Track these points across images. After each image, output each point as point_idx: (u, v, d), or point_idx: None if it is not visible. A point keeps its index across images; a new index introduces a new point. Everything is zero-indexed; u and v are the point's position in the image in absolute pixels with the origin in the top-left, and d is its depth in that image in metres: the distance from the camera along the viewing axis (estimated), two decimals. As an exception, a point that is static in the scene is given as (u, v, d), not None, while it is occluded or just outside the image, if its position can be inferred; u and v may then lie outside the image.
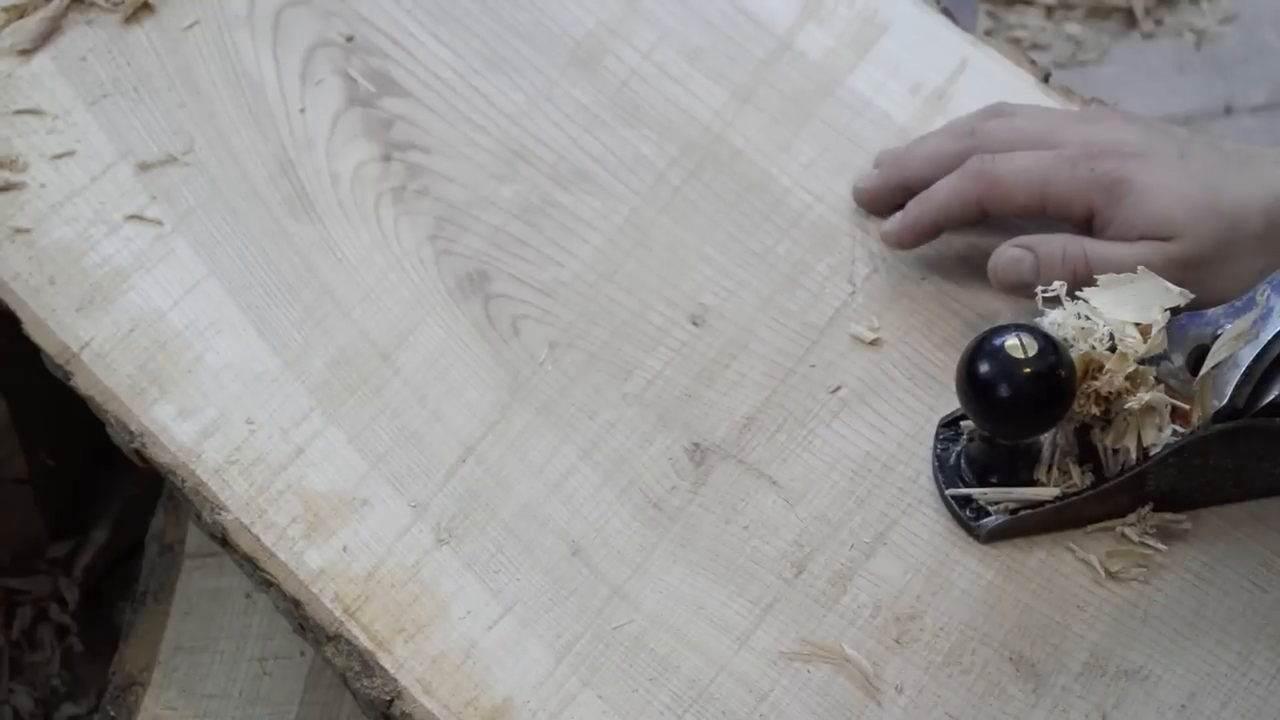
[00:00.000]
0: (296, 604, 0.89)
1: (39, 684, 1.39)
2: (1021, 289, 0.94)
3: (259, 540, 0.91)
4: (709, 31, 1.08)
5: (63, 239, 1.01)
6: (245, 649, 1.12)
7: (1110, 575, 0.89)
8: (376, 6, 1.09)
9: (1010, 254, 0.95)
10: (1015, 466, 0.90)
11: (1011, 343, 0.85)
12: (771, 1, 1.09)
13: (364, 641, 0.88)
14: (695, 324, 0.98)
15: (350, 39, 1.08)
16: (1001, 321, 0.93)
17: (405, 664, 0.87)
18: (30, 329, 0.98)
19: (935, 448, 0.92)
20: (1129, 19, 1.71)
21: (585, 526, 0.91)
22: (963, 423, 0.92)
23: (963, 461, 0.92)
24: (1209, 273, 0.91)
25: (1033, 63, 1.07)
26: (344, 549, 0.91)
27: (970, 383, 0.86)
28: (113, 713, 1.10)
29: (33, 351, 0.99)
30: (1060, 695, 0.86)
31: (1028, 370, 0.85)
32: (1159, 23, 1.73)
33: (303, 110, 1.06)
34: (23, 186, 1.03)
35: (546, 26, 1.08)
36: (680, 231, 1.01)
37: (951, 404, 0.92)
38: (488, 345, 0.97)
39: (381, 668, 0.87)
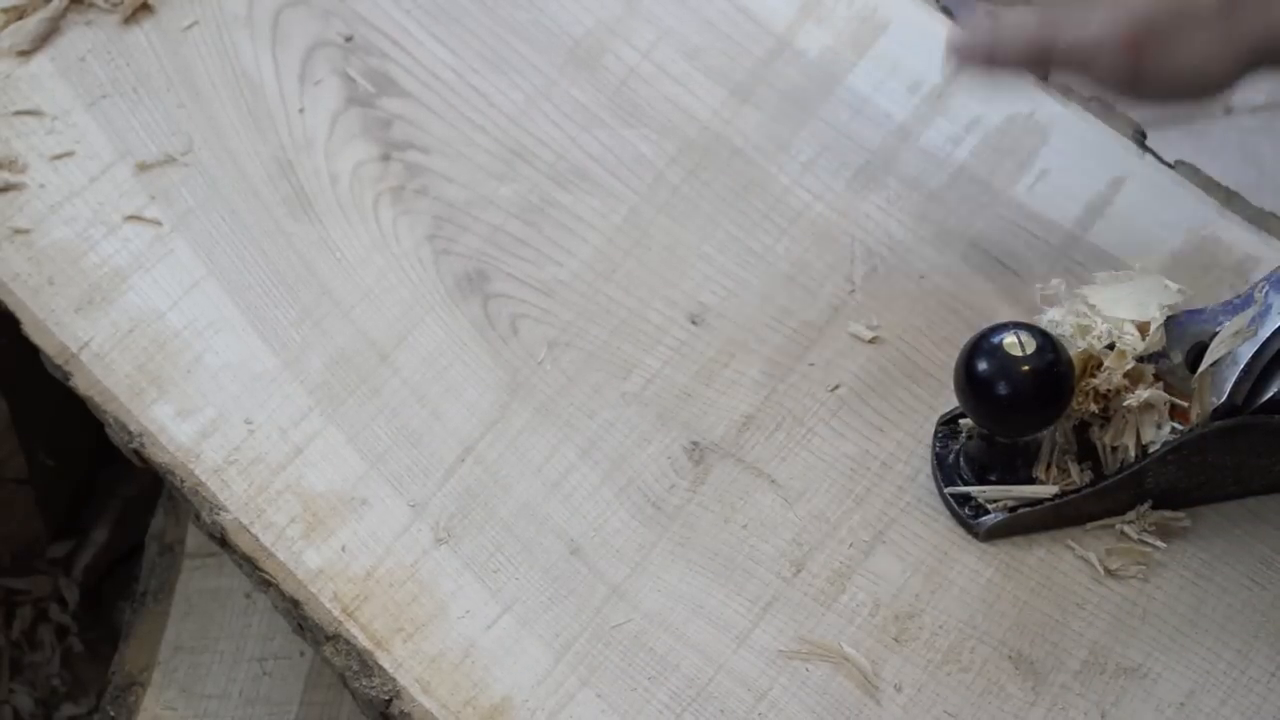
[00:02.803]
0: (295, 604, 0.89)
1: (39, 684, 1.39)
2: (978, 53, 0.92)
3: (258, 540, 0.91)
4: (708, 30, 1.08)
5: (62, 239, 1.01)
6: (245, 649, 1.12)
7: (1109, 573, 0.89)
8: (375, 6, 1.09)
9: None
10: (1014, 464, 0.90)
11: (1010, 340, 0.85)
12: (771, 0, 1.09)
13: (363, 641, 0.88)
14: (694, 323, 0.98)
15: (349, 39, 1.08)
16: (1001, 320, 0.93)
17: (404, 663, 0.87)
18: (30, 329, 0.98)
19: (934, 445, 0.92)
20: (1129, 18, 1.71)
21: (584, 525, 0.91)
22: (961, 421, 0.92)
23: (961, 460, 0.92)
24: (1167, 42, 0.88)
25: (1032, 61, 1.07)
26: (343, 548, 0.91)
27: (969, 382, 0.86)
28: (113, 713, 1.10)
29: (32, 352, 0.99)
30: (1059, 693, 0.86)
31: (1026, 368, 0.85)
32: (1159, 22, 1.72)
33: (302, 110, 1.06)
34: (22, 187, 1.03)
35: (545, 26, 1.08)
36: (679, 230, 1.01)
37: (951, 402, 0.92)
38: (487, 345, 0.97)
39: (380, 667, 0.87)
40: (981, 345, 0.86)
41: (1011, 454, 0.90)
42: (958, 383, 0.87)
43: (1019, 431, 0.89)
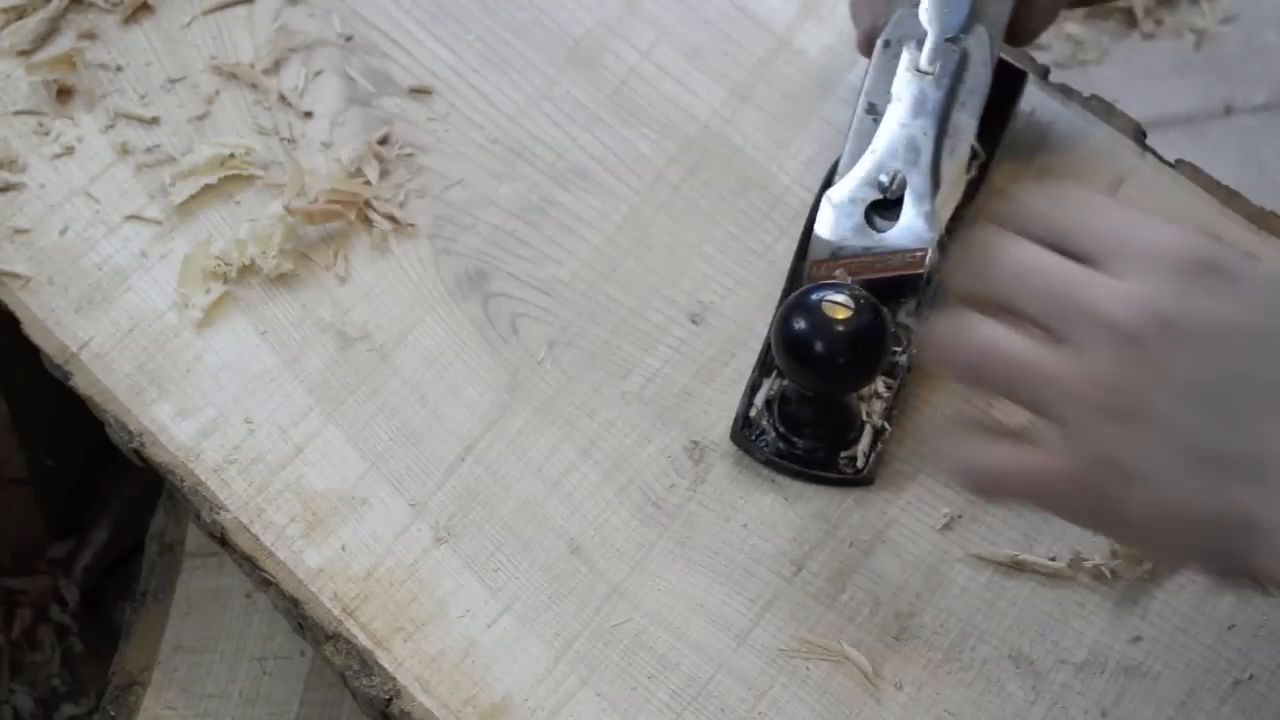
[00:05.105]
0: (295, 603, 0.89)
1: (39, 684, 1.40)
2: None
3: (258, 539, 0.91)
4: (708, 30, 1.08)
5: (62, 239, 1.01)
6: (245, 649, 1.12)
7: (1110, 572, 0.89)
8: (375, 6, 1.09)
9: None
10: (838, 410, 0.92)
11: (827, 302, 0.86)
12: (770, 0, 1.09)
13: (363, 640, 0.88)
14: (694, 322, 0.98)
15: (349, 38, 1.08)
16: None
17: (404, 662, 0.87)
18: (29, 329, 0.98)
19: (758, 454, 0.92)
20: (1129, 19, 1.71)
21: (584, 525, 0.91)
22: (755, 411, 0.93)
23: (779, 430, 0.92)
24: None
25: (1031, 60, 1.07)
26: (343, 548, 0.91)
27: (791, 349, 0.87)
28: (113, 713, 1.10)
29: (32, 351, 0.99)
30: (1059, 692, 0.86)
31: (841, 329, 0.86)
32: (1159, 23, 1.73)
33: (301, 110, 1.06)
34: (22, 187, 1.03)
35: (545, 25, 1.08)
36: (679, 230, 1.01)
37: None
38: (486, 344, 0.97)
39: (380, 666, 0.87)
40: (799, 305, 0.87)
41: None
42: (784, 353, 0.88)
43: (855, 388, 0.90)
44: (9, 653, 1.40)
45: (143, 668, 1.11)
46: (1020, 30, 0.97)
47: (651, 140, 1.04)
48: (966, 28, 0.93)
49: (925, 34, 0.94)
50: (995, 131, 0.99)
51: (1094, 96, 1.05)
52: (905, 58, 0.93)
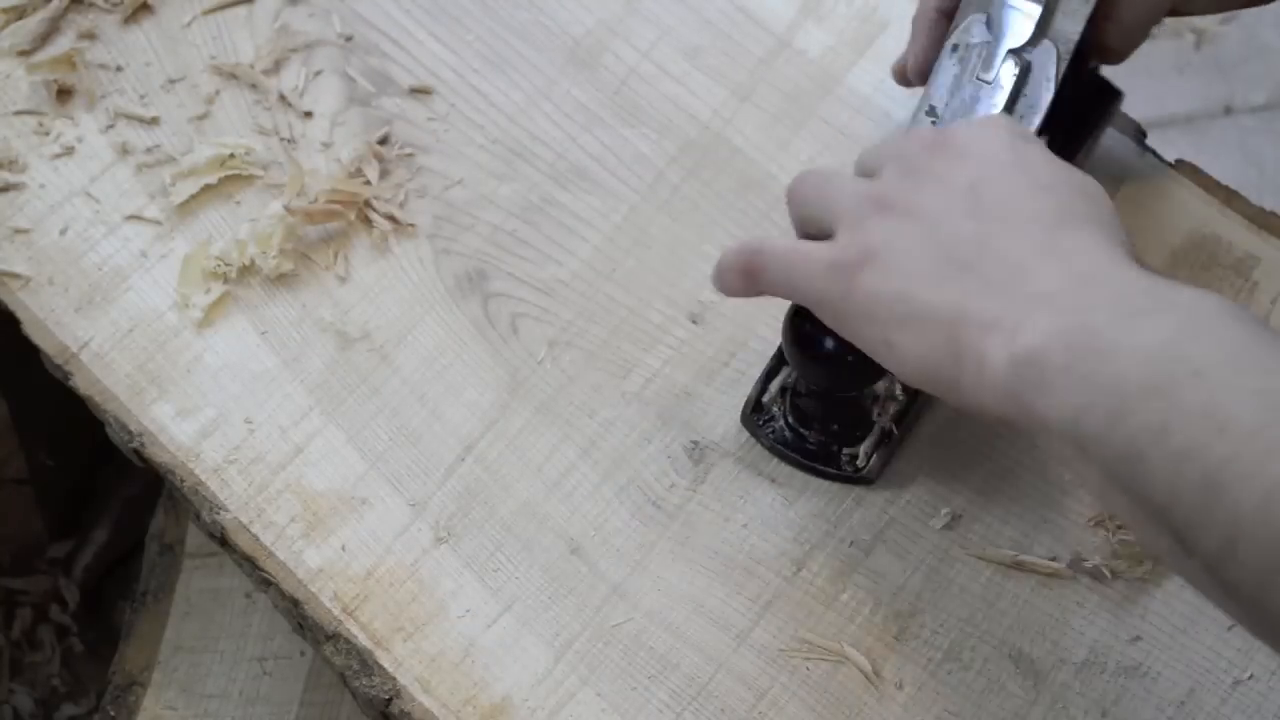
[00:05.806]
0: (295, 603, 0.89)
1: (39, 684, 1.40)
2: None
3: (258, 539, 0.91)
4: (708, 30, 1.08)
5: (62, 239, 1.01)
6: (245, 649, 1.12)
7: (1110, 572, 0.89)
8: (375, 6, 1.09)
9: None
10: (848, 406, 0.92)
11: None
12: (770, 0, 1.09)
13: (363, 640, 0.88)
14: (694, 322, 0.98)
15: (349, 38, 1.08)
16: None
17: (404, 662, 0.87)
18: (29, 329, 0.98)
19: (763, 440, 0.93)
20: (1129, 19, 1.71)
21: (584, 525, 0.91)
22: (768, 397, 0.93)
23: (789, 420, 0.92)
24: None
25: (1032, 60, 1.07)
26: (343, 548, 0.91)
27: (800, 345, 0.87)
28: (113, 713, 1.10)
29: (32, 351, 0.99)
30: (1060, 692, 0.86)
31: None
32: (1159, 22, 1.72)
33: (301, 110, 1.06)
34: (22, 187, 1.03)
35: (545, 25, 1.08)
36: (679, 229, 1.01)
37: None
38: (486, 344, 0.97)
39: (380, 666, 0.87)
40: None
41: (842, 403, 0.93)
42: (787, 342, 0.88)
43: (856, 386, 0.90)
44: (9, 653, 1.40)
45: (143, 668, 1.11)
46: (1104, 50, 0.95)
47: (651, 140, 1.04)
48: (1033, 41, 0.93)
49: (990, 42, 0.94)
50: (1074, 147, 0.98)
51: (1094, 96, 1.05)
52: (969, 64, 0.93)
